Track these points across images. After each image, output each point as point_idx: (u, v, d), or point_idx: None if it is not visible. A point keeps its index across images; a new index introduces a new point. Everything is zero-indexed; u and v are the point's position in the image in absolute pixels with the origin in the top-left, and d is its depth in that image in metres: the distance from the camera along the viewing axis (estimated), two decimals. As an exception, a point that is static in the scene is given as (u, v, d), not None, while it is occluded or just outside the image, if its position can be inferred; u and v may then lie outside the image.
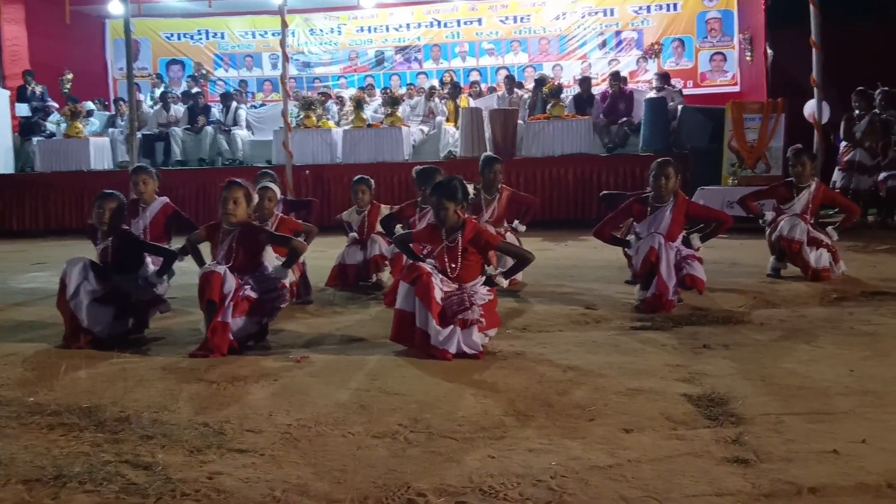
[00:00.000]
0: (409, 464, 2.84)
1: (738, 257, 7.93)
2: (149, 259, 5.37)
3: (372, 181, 7.12)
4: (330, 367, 4.19)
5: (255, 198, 4.99)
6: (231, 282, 4.57)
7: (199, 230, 5.17)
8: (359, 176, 7.16)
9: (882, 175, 10.28)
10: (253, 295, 4.69)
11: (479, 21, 16.31)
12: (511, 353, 4.41)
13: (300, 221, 6.44)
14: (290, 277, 5.51)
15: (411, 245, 5.05)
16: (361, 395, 3.67)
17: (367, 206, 7.00)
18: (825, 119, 9.92)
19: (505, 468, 2.78)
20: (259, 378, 4.00)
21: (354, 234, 6.96)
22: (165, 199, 6.47)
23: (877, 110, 10.56)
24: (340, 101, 14.27)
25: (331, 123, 13.21)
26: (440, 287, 4.44)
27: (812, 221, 6.77)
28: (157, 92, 14.97)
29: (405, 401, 3.56)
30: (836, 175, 10.56)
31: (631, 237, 5.99)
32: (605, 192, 7.75)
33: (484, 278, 4.68)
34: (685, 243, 5.73)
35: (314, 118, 12.79)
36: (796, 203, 6.71)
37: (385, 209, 6.92)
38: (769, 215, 6.86)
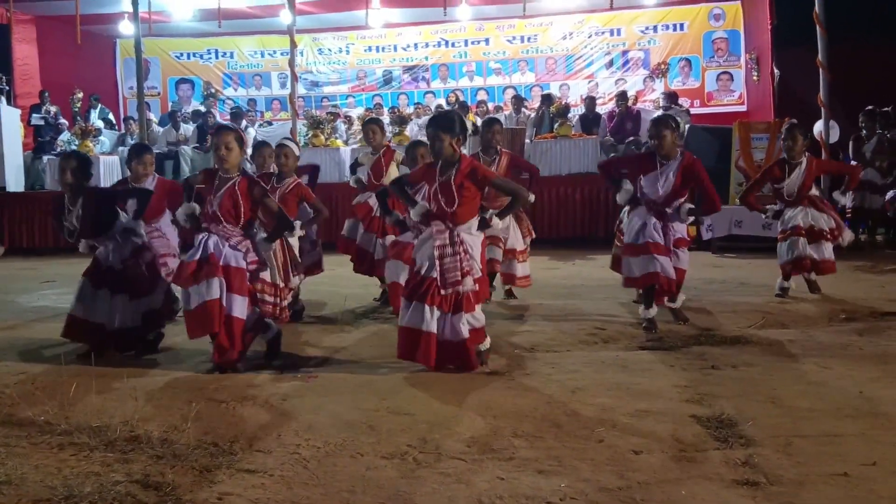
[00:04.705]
0: (418, 485, 2.84)
1: (746, 277, 7.93)
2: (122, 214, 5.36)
3: (383, 122, 7.00)
4: (339, 387, 4.20)
5: (248, 141, 4.82)
6: (221, 287, 4.54)
7: (199, 173, 5.01)
8: (370, 117, 7.07)
9: (890, 194, 10.28)
10: (242, 267, 4.64)
11: (487, 41, 16.42)
12: (519, 374, 4.41)
13: (313, 195, 6.20)
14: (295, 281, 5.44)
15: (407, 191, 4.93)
16: (370, 415, 3.68)
17: (382, 148, 6.89)
18: (835, 139, 9.93)
19: (514, 490, 2.78)
20: (268, 397, 4.01)
21: (361, 178, 6.87)
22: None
23: (879, 129, 10.60)
24: (349, 120, 14.35)
25: (339, 142, 13.28)
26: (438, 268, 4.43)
27: (816, 194, 6.81)
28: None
29: (414, 421, 3.57)
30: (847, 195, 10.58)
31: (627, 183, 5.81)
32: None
33: (478, 221, 4.57)
34: (676, 214, 5.60)
35: (323, 137, 12.87)
36: (790, 181, 6.70)
37: (399, 153, 6.85)
38: (771, 209, 6.90)
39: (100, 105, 15.35)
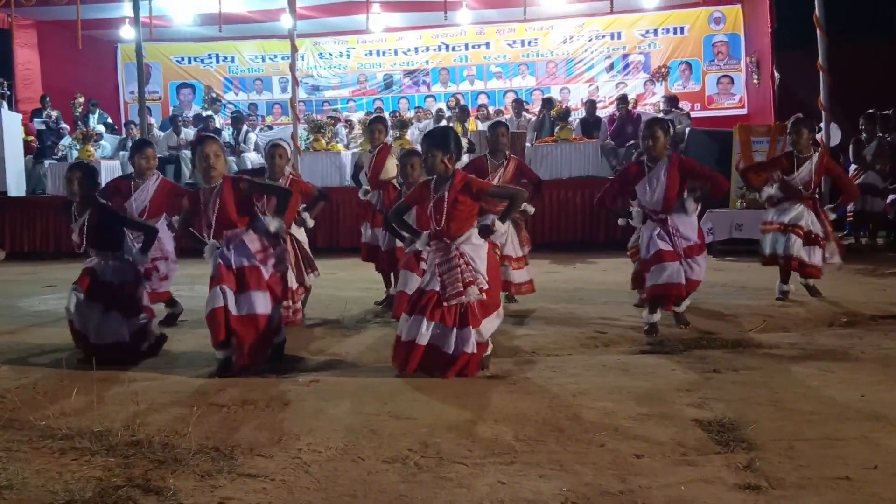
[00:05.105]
0: (419, 489, 2.84)
1: (746, 280, 7.92)
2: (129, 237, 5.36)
3: (388, 121, 7.03)
4: (340, 391, 4.20)
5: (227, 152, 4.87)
6: (229, 290, 4.57)
7: (185, 206, 5.04)
8: (375, 116, 7.11)
9: (891, 198, 10.28)
10: (256, 265, 4.65)
11: (487, 45, 16.45)
12: (521, 377, 4.41)
13: (311, 184, 6.23)
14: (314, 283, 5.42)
15: (405, 218, 4.93)
16: (371, 419, 3.68)
17: (380, 145, 6.96)
18: (836, 141, 9.92)
19: (515, 494, 2.77)
20: (269, 402, 4.01)
21: (367, 188, 6.94)
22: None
23: (880, 133, 10.60)
24: (349, 124, 14.36)
25: (340, 146, 13.29)
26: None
27: (816, 196, 6.79)
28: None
29: (415, 425, 3.56)
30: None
31: (633, 210, 5.79)
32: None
33: (476, 230, 4.56)
34: (681, 208, 5.57)
35: (323, 141, 12.88)
36: (801, 174, 6.64)
37: (396, 149, 6.85)
38: (766, 191, 6.86)
39: (98, 110, 15.36)
